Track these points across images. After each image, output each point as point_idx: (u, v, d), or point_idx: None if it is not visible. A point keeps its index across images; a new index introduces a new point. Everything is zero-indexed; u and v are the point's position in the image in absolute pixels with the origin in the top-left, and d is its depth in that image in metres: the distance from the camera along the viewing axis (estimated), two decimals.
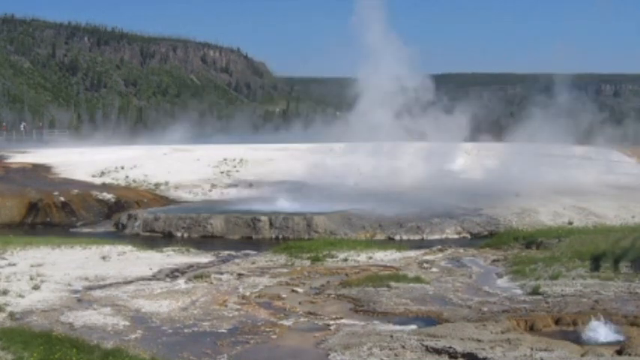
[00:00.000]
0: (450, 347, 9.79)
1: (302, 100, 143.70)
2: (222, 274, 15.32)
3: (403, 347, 9.92)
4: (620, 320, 11.41)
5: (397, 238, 22.75)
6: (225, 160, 37.70)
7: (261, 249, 19.51)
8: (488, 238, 21.81)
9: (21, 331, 10.02)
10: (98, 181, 32.29)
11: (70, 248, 17.93)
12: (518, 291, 13.76)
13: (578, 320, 11.47)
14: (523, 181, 29.02)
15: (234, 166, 36.53)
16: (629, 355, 9.61)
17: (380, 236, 22.86)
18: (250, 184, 32.10)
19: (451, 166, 33.05)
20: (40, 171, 34.57)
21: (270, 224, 23.41)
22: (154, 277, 15.06)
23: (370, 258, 17.41)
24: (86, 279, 14.56)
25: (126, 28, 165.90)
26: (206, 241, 22.20)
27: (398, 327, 11.19)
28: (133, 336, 10.68)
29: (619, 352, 9.79)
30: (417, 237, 22.85)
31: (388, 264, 16.66)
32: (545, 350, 9.68)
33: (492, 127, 46.33)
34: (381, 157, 31.15)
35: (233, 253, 18.67)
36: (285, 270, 16.01)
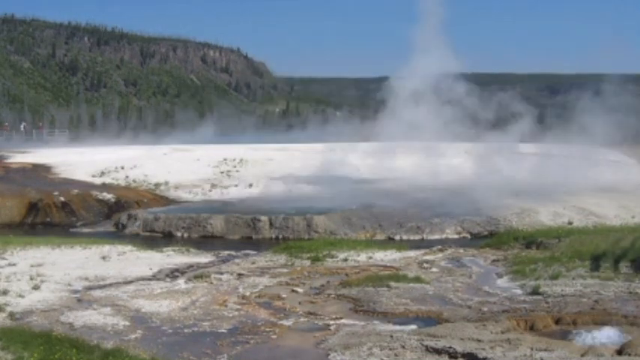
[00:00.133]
0: (450, 347, 9.79)
1: (302, 100, 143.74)
2: (222, 274, 15.32)
3: (403, 347, 9.92)
4: (620, 320, 11.42)
5: (397, 238, 22.75)
6: (225, 160, 37.69)
7: (261, 249, 19.50)
8: (489, 238, 21.80)
9: (21, 331, 10.02)
10: (98, 181, 32.29)
11: (70, 248, 17.93)
12: (518, 291, 13.76)
13: (578, 320, 11.48)
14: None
15: (234, 166, 36.52)
16: (629, 355, 9.61)
17: (380, 236, 22.85)
18: (250, 184, 32.06)
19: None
20: (40, 171, 34.57)
21: (270, 224, 23.41)
22: (154, 277, 15.06)
23: (370, 258, 17.41)
24: (86, 279, 14.56)
25: (126, 28, 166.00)
26: (206, 241, 22.20)
27: (398, 327, 11.19)
28: (133, 336, 10.68)
29: (619, 352, 9.79)
30: (417, 237, 22.84)
31: (388, 264, 16.66)
32: (545, 350, 9.68)
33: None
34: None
35: (233, 253, 18.67)
36: (285, 270, 16.01)
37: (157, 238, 23.04)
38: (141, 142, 49.19)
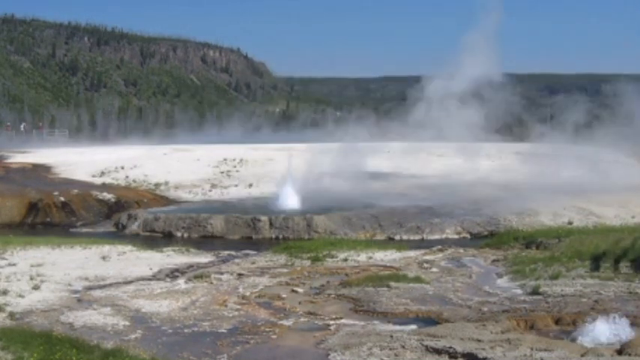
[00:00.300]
0: (450, 347, 9.79)
1: (302, 100, 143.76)
2: (222, 274, 15.32)
3: (403, 347, 9.92)
4: None
5: (397, 238, 22.75)
6: (225, 160, 37.70)
7: (261, 249, 19.50)
8: (489, 238, 21.80)
9: (21, 331, 10.02)
10: (98, 181, 32.29)
11: (70, 248, 17.93)
12: (518, 291, 13.76)
13: (578, 320, 11.48)
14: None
15: (234, 166, 36.53)
16: (629, 355, 9.61)
17: (380, 236, 22.85)
18: (250, 184, 32.05)
19: None
20: (40, 171, 34.58)
21: (270, 224, 23.41)
22: (154, 277, 15.06)
23: (370, 258, 17.41)
24: (86, 279, 14.56)
25: (126, 28, 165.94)
26: (206, 241, 22.20)
27: (398, 327, 11.19)
28: (133, 336, 10.68)
29: (619, 352, 9.79)
30: (417, 237, 22.84)
31: (388, 264, 16.66)
32: (545, 350, 9.68)
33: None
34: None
35: (233, 253, 18.67)
36: (285, 270, 16.01)
37: (156, 238, 23.04)
38: (146, 143, 49.15)
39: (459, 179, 30.83)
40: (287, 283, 14.53)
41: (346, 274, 15.41)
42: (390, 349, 9.86)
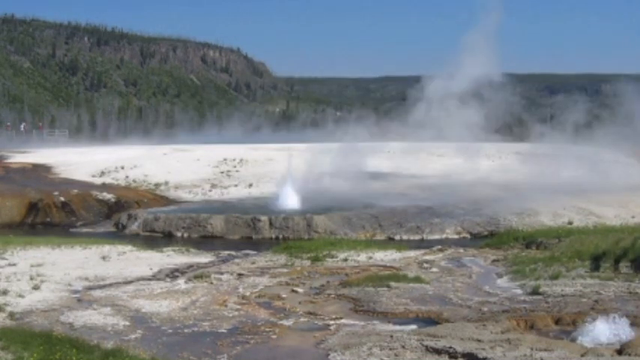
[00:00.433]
0: (450, 347, 9.79)
1: (302, 100, 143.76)
2: (222, 274, 15.32)
3: (403, 347, 9.92)
4: None
5: (397, 238, 22.75)
6: (225, 160, 37.70)
7: (261, 249, 19.50)
8: (489, 238, 21.81)
9: (21, 331, 10.02)
10: (98, 181, 32.30)
11: (70, 248, 17.93)
12: (518, 291, 13.76)
13: (578, 320, 11.48)
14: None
15: (234, 166, 36.53)
16: (629, 355, 9.61)
17: (380, 236, 22.85)
18: (250, 184, 32.04)
19: None
20: (40, 171, 34.58)
21: (270, 224, 23.41)
22: (154, 277, 15.06)
23: (370, 258, 17.41)
24: (86, 279, 14.56)
25: (126, 28, 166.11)
26: (206, 241, 22.20)
27: (398, 327, 11.19)
28: (133, 336, 10.67)
29: (619, 352, 9.79)
30: (417, 237, 22.85)
31: (388, 264, 16.66)
32: (545, 350, 9.68)
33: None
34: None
35: (233, 253, 18.67)
36: (285, 270, 16.00)
37: (156, 238, 23.04)
38: (146, 143, 49.14)
39: (459, 179, 30.84)
40: (287, 283, 14.53)
41: (346, 274, 15.40)
42: (390, 349, 9.86)
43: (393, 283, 14.03)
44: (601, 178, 31.47)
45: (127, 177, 33.32)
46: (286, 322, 11.59)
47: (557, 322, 11.58)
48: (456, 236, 23.09)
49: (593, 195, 27.86)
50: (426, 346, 9.90)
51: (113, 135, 62.52)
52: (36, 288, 13.33)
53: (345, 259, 17.09)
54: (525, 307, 12.41)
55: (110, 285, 14.17)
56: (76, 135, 63.65)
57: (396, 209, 24.95)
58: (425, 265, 16.63)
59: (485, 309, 12.27)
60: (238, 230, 23.49)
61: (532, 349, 9.72)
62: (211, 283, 14.41)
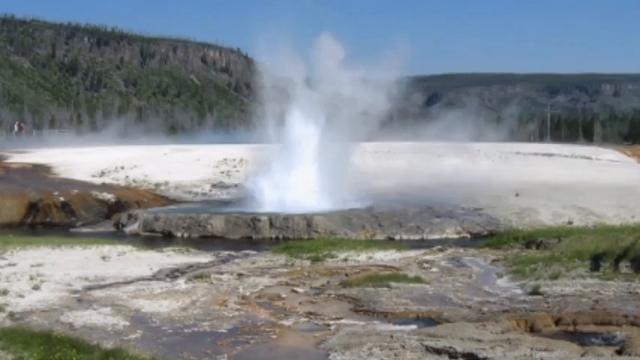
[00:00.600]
0: (450, 347, 9.79)
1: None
2: (222, 274, 15.32)
3: (403, 347, 9.92)
4: (620, 320, 11.42)
5: (397, 238, 22.75)
6: (225, 160, 37.72)
7: (261, 249, 19.50)
8: (488, 238, 21.80)
9: (21, 331, 10.01)
10: (98, 181, 32.31)
11: (70, 248, 17.92)
12: (518, 291, 13.76)
13: (578, 320, 11.49)
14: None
15: (234, 166, 36.53)
16: (629, 355, 9.61)
17: (380, 236, 22.85)
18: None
19: None
20: (40, 171, 34.60)
21: (270, 224, 23.41)
22: (154, 277, 15.05)
23: (370, 258, 17.41)
24: (86, 279, 14.55)
25: (126, 28, 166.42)
26: (206, 241, 22.20)
27: (398, 327, 11.19)
28: (133, 336, 10.67)
29: (619, 352, 9.78)
30: (417, 237, 22.84)
31: (388, 264, 16.66)
32: (545, 350, 9.68)
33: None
34: None
35: (233, 253, 18.66)
36: (285, 270, 16.00)
37: (156, 238, 23.04)
38: (146, 143, 49.16)
39: (459, 179, 30.83)
40: (287, 283, 14.53)
41: (346, 274, 15.40)
42: (390, 349, 9.86)
43: (393, 283, 14.02)
44: (601, 178, 31.49)
45: (127, 177, 33.33)
46: (286, 322, 11.59)
47: (557, 322, 11.58)
48: (456, 236, 23.10)
49: (593, 195, 27.90)
50: (426, 346, 9.90)
51: (113, 135, 62.52)
52: (36, 288, 13.33)
53: (345, 259, 17.09)
54: (525, 307, 12.41)
55: (110, 285, 14.16)
56: (76, 135, 63.66)
57: (395, 209, 24.96)
58: (425, 265, 16.63)
59: (485, 309, 12.27)
60: (238, 230, 23.50)
61: (532, 349, 9.72)
62: (211, 283, 14.41)
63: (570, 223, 23.20)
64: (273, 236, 23.04)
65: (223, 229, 23.56)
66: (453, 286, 14.19)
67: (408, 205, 25.46)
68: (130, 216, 25.40)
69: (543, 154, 39.85)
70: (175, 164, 36.41)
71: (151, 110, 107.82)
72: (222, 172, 35.23)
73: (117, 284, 14.22)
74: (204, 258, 17.77)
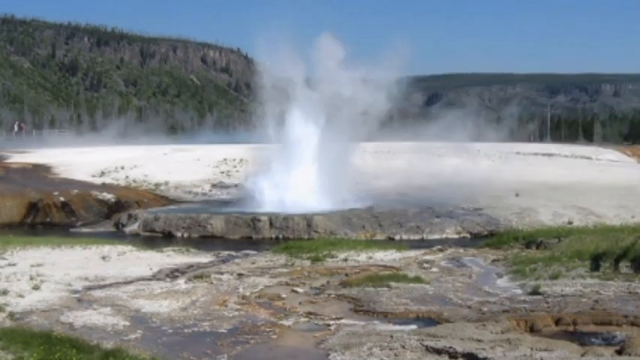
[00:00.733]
0: (450, 347, 9.79)
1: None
2: (222, 274, 15.32)
3: (403, 347, 9.92)
4: (620, 320, 11.42)
5: (397, 238, 22.75)
6: (225, 160, 37.72)
7: (261, 249, 19.50)
8: (489, 238, 21.80)
9: (21, 331, 10.01)
10: (98, 181, 32.31)
11: (70, 248, 17.92)
12: (518, 291, 13.76)
13: (578, 320, 11.49)
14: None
15: (234, 166, 36.53)
16: (629, 355, 9.61)
17: (380, 236, 22.85)
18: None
19: None
20: (40, 171, 34.60)
21: (270, 224, 23.41)
22: (154, 277, 15.05)
23: (370, 258, 17.41)
24: (86, 279, 14.55)
25: (126, 28, 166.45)
26: (206, 241, 22.20)
27: (398, 327, 11.19)
28: (133, 336, 10.67)
29: (619, 352, 9.78)
30: (417, 237, 22.84)
31: (388, 264, 16.66)
32: (545, 350, 9.68)
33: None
34: None
35: (233, 253, 18.66)
36: (285, 270, 16.00)
37: (156, 238, 23.04)
38: (146, 143, 49.16)
39: (459, 179, 30.84)
40: (287, 283, 14.53)
41: (346, 274, 15.40)
42: (390, 349, 9.86)
43: (393, 283, 14.02)
44: (601, 178, 31.50)
45: (127, 177, 33.33)
46: (286, 322, 11.59)
47: (557, 322, 11.58)
48: (456, 236, 23.10)
49: (593, 195, 27.90)
50: (426, 346, 9.90)
51: (113, 135, 62.51)
52: (36, 288, 13.33)
53: (345, 259, 17.09)
54: (525, 307, 12.40)
55: (110, 285, 14.17)
56: (76, 135, 63.66)
57: (395, 209, 24.96)
58: (425, 265, 16.63)
59: (485, 309, 12.27)
60: (238, 230, 23.50)
61: (532, 349, 9.72)
62: (211, 283, 14.41)
63: (570, 223, 23.19)
64: (273, 236, 23.04)
65: (223, 229, 23.56)
66: (453, 286, 14.19)
67: (408, 205, 25.45)
68: (130, 216, 25.40)
69: (543, 154, 39.85)
70: (175, 164, 36.41)
71: (151, 110, 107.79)
72: (222, 172, 35.24)
73: (117, 284, 14.22)
74: (204, 258, 17.77)
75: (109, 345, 9.57)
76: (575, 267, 15.13)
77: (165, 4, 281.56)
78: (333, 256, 17.33)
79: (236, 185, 32.33)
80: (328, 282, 14.62)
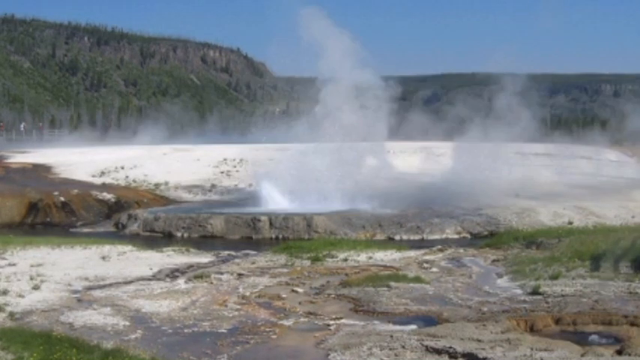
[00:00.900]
0: (450, 347, 9.79)
1: (302, 100, 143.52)
2: (222, 274, 15.32)
3: (403, 347, 9.92)
4: (620, 320, 11.42)
5: (397, 238, 22.75)
6: (225, 160, 37.70)
7: (261, 249, 19.50)
8: (489, 238, 21.81)
9: (21, 331, 10.02)
10: (98, 181, 32.30)
11: (70, 248, 17.93)
12: (518, 291, 13.76)
13: (578, 320, 11.48)
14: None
15: (234, 166, 36.52)
16: (629, 355, 9.61)
17: (380, 236, 22.86)
18: (250, 184, 32.03)
19: None
20: (40, 171, 34.57)
21: (270, 224, 23.41)
22: (154, 277, 15.05)
23: (370, 258, 17.41)
24: (86, 279, 14.56)
25: (126, 28, 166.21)
26: (206, 241, 22.20)
27: (398, 327, 11.19)
28: (133, 336, 10.67)
29: (619, 352, 9.78)
30: (417, 237, 22.85)
31: (388, 264, 16.66)
32: (545, 350, 9.68)
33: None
34: None
35: (233, 253, 18.67)
36: (285, 270, 16.01)
37: (157, 238, 23.03)
38: (146, 143, 49.06)
39: (459, 179, 30.83)
40: (287, 283, 14.53)
41: (346, 274, 15.40)
42: (390, 349, 9.86)
43: (393, 283, 14.03)
44: (601, 177, 31.49)
45: (127, 177, 33.32)
46: (286, 322, 11.59)
47: (557, 322, 11.58)
48: (456, 236, 23.10)
49: (593, 195, 27.90)
50: (426, 346, 9.90)
51: (113, 135, 62.37)
52: (36, 288, 13.33)
53: (345, 259, 17.09)
54: (525, 307, 12.41)
55: (110, 285, 14.17)
56: (76, 135, 63.50)
57: (395, 209, 24.93)
58: (425, 265, 16.63)
59: (485, 309, 12.27)
60: (238, 230, 23.50)
61: (532, 349, 9.72)
62: (211, 283, 14.42)
63: (570, 223, 23.19)
64: (273, 236, 23.04)
65: (223, 229, 23.56)
66: (453, 286, 14.19)
67: (408, 205, 25.44)
68: (130, 216, 25.40)
69: (543, 154, 39.78)
70: (175, 164, 36.39)
71: (151, 110, 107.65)
72: (222, 172, 35.23)
73: (117, 284, 14.23)
74: (204, 258, 17.77)
75: (109, 345, 9.57)
76: (575, 267, 15.12)
77: (166, 4, 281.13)
78: (333, 256, 17.33)
79: (236, 185, 32.34)
80: (328, 282, 14.62)
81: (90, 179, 32.57)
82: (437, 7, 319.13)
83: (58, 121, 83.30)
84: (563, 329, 11.30)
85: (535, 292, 13.39)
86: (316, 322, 11.65)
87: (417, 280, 14.54)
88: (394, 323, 11.50)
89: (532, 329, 11.27)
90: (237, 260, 17.46)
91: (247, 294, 13.51)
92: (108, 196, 28.93)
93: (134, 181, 32.68)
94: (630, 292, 13.28)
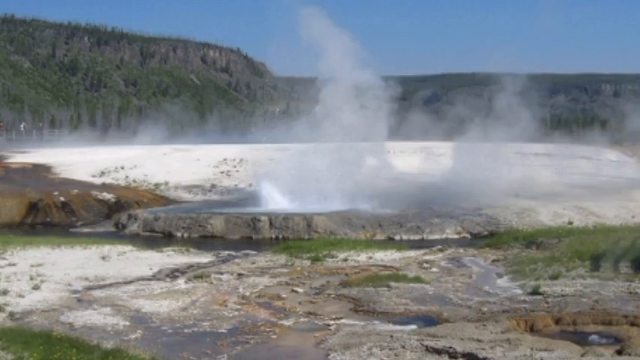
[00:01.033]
0: (450, 347, 9.79)
1: (302, 100, 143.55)
2: (222, 274, 15.32)
3: (403, 347, 9.92)
4: (620, 320, 11.41)
5: (397, 238, 22.75)
6: (225, 160, 37.70)
7: (261, 249, 19.50)
8: (489, 238, 21.80)
9: (21, 331, 10.02)
10: (98, 181, 32.30)
11: (70, 248, 17.93)
12: (518, 291, 13.76)
13: (578, 320, 11.48)
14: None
15: (234, 166, 36.52)
16: (629, 355, 9.61)
17: (380, 236, 22.85)
18: (250, 184, 32.05)
19: None
20: (40, 171, 34.57)
21: (270, 224, 23.41)
22: (154, 277, 15.05)
23: (370, 258, 17.41)
24: (86, 279, 14.56)
25: (126, 28, 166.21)
26: (206, 241, 22.20)
27: (398, 327, 11.19)
28: (133, 336, 10.67)
29: (619, 352, 9.78)
30: (417, 237, 22.84)
31: (388, 264, 16.66)
32: (545, 350, 9.68)
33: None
34: None
35: (233, 253, 18.67)
36: (285, 270, 16.01)
37: (157, 238, 23.03)
38: (146, 143, 49.05)
39: (459, 179, 30.84)
40: (287, 283, 14.53)
41: (346, 274, 15.40)
42: (390, 349, 9.86)
43: (393, 283, 14.03)
44: (601, 177, 31.48)
45: (127, 177, 33.32)
46: (286, 322, 11.59)
47: (557, 322, 11.58)
48: (456, 236, 23.09)
49: (593, 195, 27.89)
50: (426, 346, 9.90)
51: (113, 135, 62.35)
52: (36, 288, 13.33)
53: (345, 259, 17.09)
54: (525, 307, 12.41)
55: (110, 285, 14.17)
56: (76, 135, 63.49)
57: (395, 209, 24.93)
58: (425, 265, 16.63)
59: (485, 309, 12.27)
60: (238, 230, 23.50)
61: (532, 349, 9.72)
62: (211, 283, 14.42)
63: (570, 223, 23.19)
64: (273, 236, 23.04)
65: (223, 229, 23.56)
66: (453, 286, 14.19)
67: (408, 205, 25.44)
68: (130, 216, 25.40)
69: (543, 154, 39.78)
70: (175, 164, 36.39)
71: (151, 110, 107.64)
72: (222, 172, 35.23)
73: (117, 284, 14.23)
74: (204, 258, 17.77)
75: (109, 345, 9.57)
76: (575, 267, 15.12)
77: (166, 4, 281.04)
78: (333, 256, 17.33)
79: (236, 185, 32.33)
80: (328, 282, 14.62)
81: (90, 179, 32.57)
82: (437, 7, 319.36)
83: (58, 121, 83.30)
84: (563, 329, 11.30)
85: (535, 292, 13.40)
86: (316, 322, 11.65)
87: (417, 280, 14.54)
88: (394, 323, 11.50)
89: (532, 329, 11.27)
90: (237, 260, 17.46)
91: (247, 294, 13.51)
92: (108, 196, 28.93)
93: (134, 181, 32.68)
94: (630, 292, 13.28)
